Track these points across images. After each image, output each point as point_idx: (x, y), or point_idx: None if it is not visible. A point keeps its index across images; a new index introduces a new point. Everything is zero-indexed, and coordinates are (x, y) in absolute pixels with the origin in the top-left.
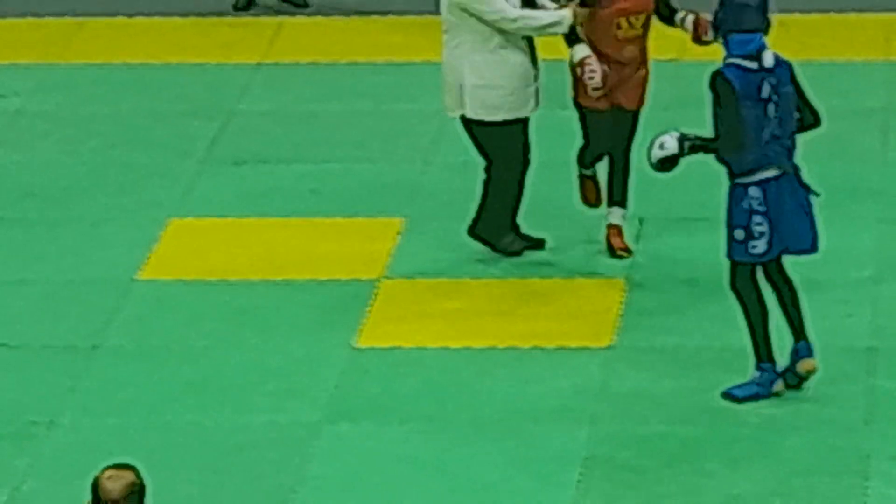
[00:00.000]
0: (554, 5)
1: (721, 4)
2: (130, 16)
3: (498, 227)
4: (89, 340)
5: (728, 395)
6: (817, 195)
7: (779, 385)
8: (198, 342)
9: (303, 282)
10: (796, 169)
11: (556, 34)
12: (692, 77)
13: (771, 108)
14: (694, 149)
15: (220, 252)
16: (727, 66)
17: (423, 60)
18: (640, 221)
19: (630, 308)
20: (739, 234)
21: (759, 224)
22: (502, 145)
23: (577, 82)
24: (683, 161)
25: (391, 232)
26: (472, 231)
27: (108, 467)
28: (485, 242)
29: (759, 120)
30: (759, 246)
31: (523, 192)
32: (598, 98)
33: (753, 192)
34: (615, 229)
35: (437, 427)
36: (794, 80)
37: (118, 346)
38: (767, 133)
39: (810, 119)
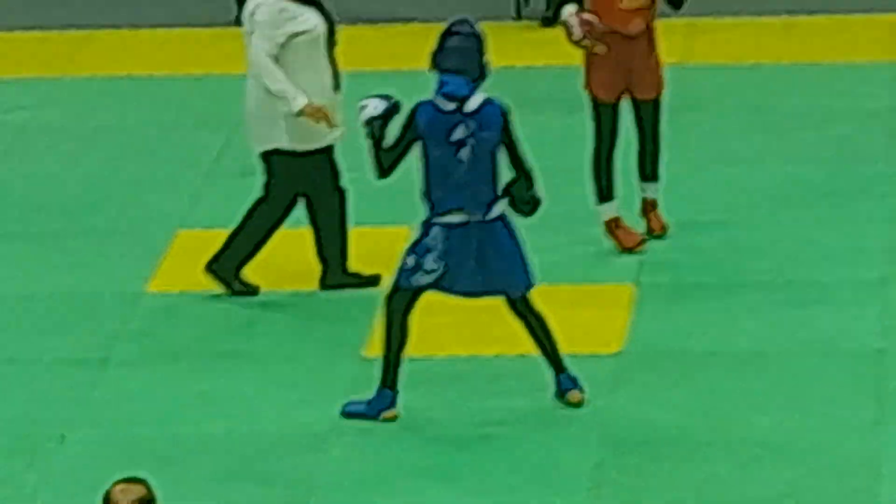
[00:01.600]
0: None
1: (439, 42)
2: (135, 28)
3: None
4: (99, 353)
5: (343, 409)
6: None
7: (389, 413)
8: (206, 353)
9: (311, 292)
10: (502, 214)
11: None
12: (695, 80)
13: (464, 151)
14: (377, 134)
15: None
16: (427, 101)
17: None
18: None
19: (640, 313)
20: (410, 261)
21: (432, 263)
22: (320, 176)
23: (588, 70)
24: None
25: (398, 241)
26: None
27: (119, 481)
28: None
29: (444, 160)
30: (423, 281)
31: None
32: (607, 90)
33: (436, 232)
34: (650, 204)
35: (446, 435)
36: (507, 131)
37: (127, 358)
38: (457, 176)
39: (521, 176)
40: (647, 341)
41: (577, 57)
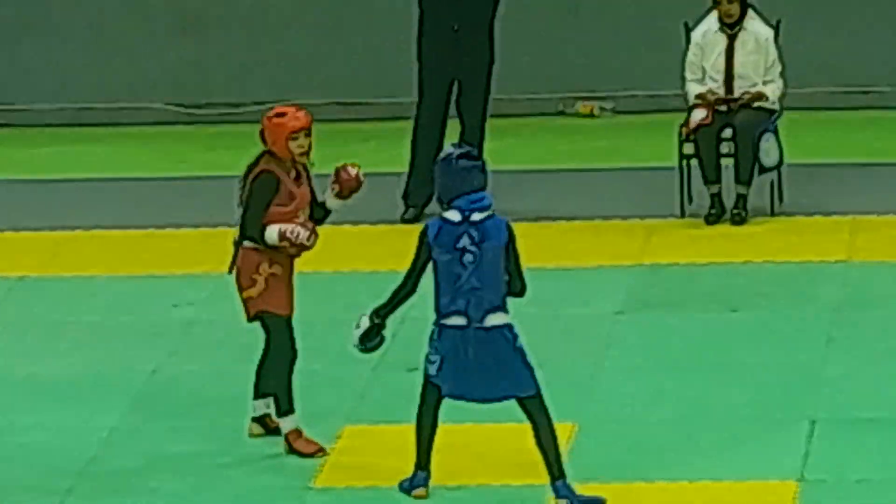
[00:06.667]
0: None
1: (441, 175)
2: None
3: None
4: None
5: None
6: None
7: (419, 492)
8: None
9: (476, 487)
10: (503, 325)
11: None
12: (861, 278)
13: (468, 257)
14: (389, 310)
15: (394, 458)
16: (434, 219)
17: (595, 265)
18: (812, 422)
19: None
20: (429, 367)
21: (434, 363)
22: None
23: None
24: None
25: (564, 436)
26: None
27: None
28: None
29: (451, 265)
30: (431, 371)
31: None
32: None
33: (438, 333)
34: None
35: None
36: (510, 244)
37: None
38: (464, 282)
39: (516, 287)
40: None
41: (740, 254)
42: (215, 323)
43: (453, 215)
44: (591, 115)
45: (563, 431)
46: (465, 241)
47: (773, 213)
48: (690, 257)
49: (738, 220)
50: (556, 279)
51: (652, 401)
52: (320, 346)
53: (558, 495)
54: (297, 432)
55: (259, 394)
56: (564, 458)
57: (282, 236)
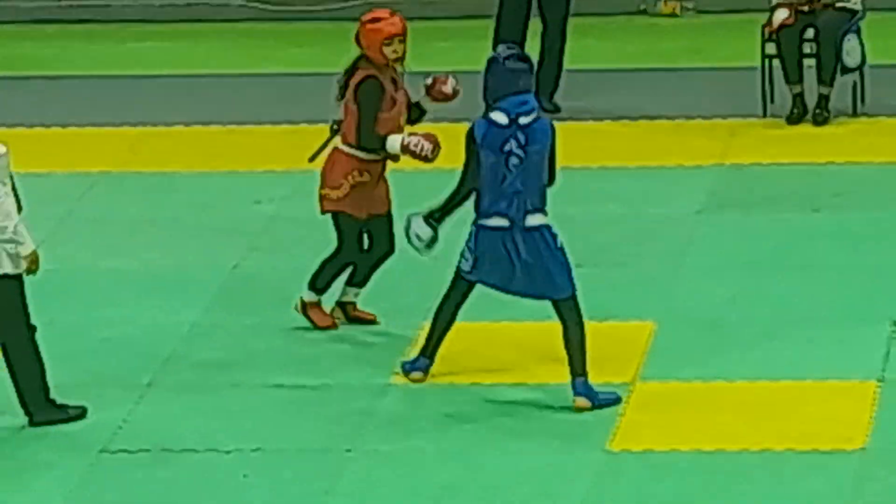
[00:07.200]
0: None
1: (488, 75)
2: None
3: None
4: (344, 443)
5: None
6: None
7: (416, 375)
8: (452, 445)
9: (555, 385)
10: (543, 225)
11: None
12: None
13: (513, 160)
14: (444, 213)
15: (472, 356)
16: (481, 118)
17: (676, 165)
18: (894, 323)
19: (883, 410)
20: (462, 263)
21: (468, 260)
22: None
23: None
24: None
25: (643, 335)
26: None
27: None
28: None
29: (497, 168)
30: (465, 267)
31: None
32: (359, 207)
33: (475, 234)
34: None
35: None
36: (552, 145)
37: (373, 449)
38: (508, 185)
39: (548, 178)
40: (891, 438)
41: (822, 155)
42: (297, 219)
43: (500, 117)
44: (674, 15)
45: (643, 330)
46: (511, 145)
47: (855, 114)
48: (772, 157)
49: (821, 121)
50: (638, 178)
51: (732, 300)
52: (401, 243)
53: (576, 392)
54: (317, 304)
55: (349, 281)
56: (643, 358)
57: (405, 148)
